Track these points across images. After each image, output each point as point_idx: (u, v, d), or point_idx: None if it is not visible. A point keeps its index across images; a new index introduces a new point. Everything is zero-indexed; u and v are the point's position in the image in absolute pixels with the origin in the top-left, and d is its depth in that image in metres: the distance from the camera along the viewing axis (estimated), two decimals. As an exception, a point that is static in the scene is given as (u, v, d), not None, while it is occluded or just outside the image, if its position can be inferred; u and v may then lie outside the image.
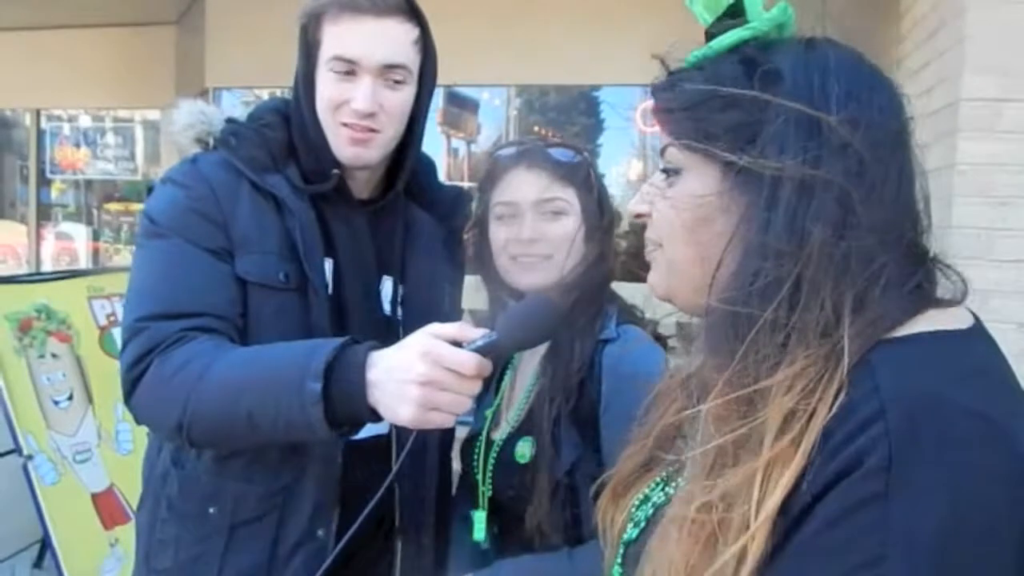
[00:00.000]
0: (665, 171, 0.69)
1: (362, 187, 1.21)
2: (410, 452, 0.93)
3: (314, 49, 1.12)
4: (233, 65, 4.77)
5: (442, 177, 1.50)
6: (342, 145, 1.13)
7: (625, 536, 0.75)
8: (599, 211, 1.19)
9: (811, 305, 0.57)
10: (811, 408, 0.55)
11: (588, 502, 0.86)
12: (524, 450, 1.14)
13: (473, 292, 1.37)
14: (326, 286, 1.14)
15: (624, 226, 1.24)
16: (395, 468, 0.96)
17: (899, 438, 0.51)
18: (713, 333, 0.63)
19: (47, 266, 6.64)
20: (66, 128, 6.74)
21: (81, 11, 5.64)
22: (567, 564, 1.03)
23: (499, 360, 1.26)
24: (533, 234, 1.16)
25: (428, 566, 1.28)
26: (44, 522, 2.36)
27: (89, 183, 6.93)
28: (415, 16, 1.12)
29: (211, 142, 1.18)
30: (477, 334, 0.90)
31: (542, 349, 1.15)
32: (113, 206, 6.92)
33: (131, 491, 2.55)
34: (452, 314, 1.28)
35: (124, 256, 6.64)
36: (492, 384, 1.27)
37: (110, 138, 6.65)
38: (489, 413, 1.24)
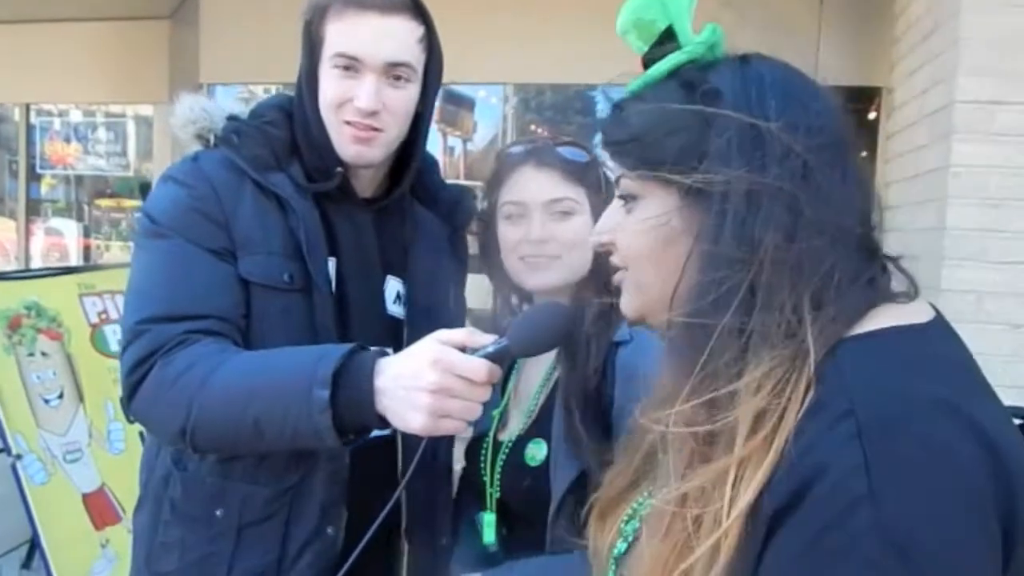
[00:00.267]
0: (623, 198, 0.72)
1: (366, 186, 1.20)
2: (416, 452, 0.92)
3: (317, 46, 1.11)
4: (228, 60, 4.75)
5: (438, 176, 1.49)
6: (345, 143, 1.12)
7: (615, 551, 0.76)
8: None
9: (770, 308, 0.60)
10: (782, 406, 0.57)
11: None
12: (535, 452, 1.13)
13: (474, 291, 1.37)
14: (330, 285, 1.13)
15: None
16: (407, 475, 0.95)
17: (871, 436, 0.53)
18: (674, 346, 0.65)
19: (36, 262, 6.58)
20: (56, 123, 6.68)
21: (72, 4, 5.59)
22: (579, 565, 1.03)
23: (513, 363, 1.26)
24: (542, 234, 1.15)
25: (434, 566, 1.27)
26: (33, 523, 2.34)
27: (80, 179, 6.87)
28: (420, 14, 1.11)
29: (212, 139, 1.17)
30: (486, 340, 0.90)
31: (550, 352, 1.15)
32: (104, 202, 6.87)
33: (123, 491, 2.53)
34: (456, 313, 1.28)
35: (115, 253, 6.60)
36: (497, 385, 1.26)
37: (101, 133, 6.59)
38: (496, 414, 1.23)
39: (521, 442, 1.16)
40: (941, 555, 0.51)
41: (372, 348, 0.97)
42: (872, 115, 3.89)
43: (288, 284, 1.09)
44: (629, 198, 0.70)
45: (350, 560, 0.93)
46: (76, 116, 6.65)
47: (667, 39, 0.69)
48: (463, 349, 0.89)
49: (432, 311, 1.22)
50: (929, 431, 0.54)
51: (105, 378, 2.70)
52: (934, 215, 2.74)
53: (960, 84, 2.57)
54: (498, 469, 1.17)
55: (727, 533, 0.57)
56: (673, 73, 0.68)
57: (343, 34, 1.08)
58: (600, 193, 1.18)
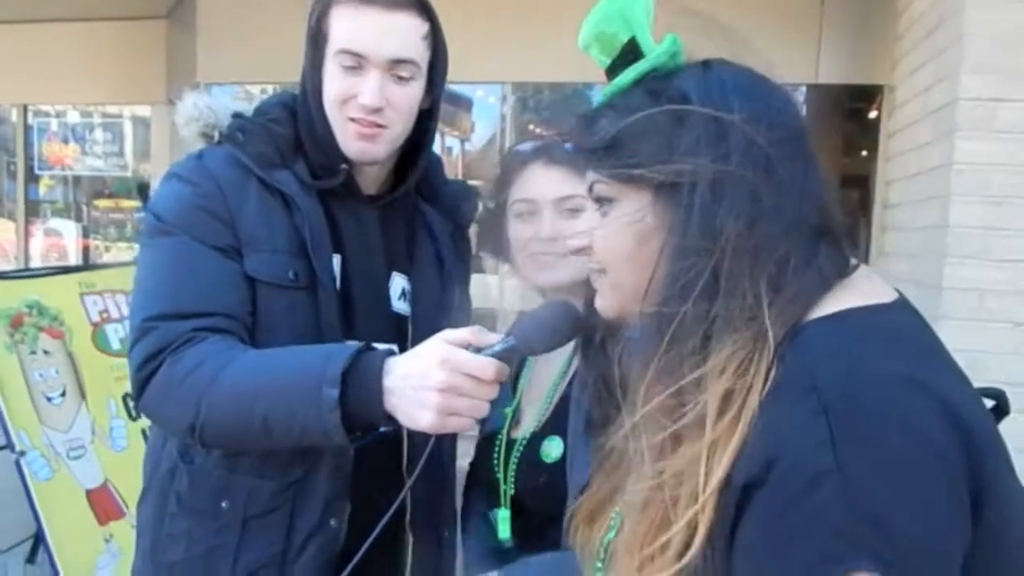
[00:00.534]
0: (597, 201, 0.74)
1: (370, 183, 1.20)
2: (422, 446, 0.93)
3: (321, 42, 1.11)
4: (225, 60, 4.74)
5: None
6: (349, 140, 1.11)
7: (605, 538, 0.78)
8: None
9: (733, 294, 0.63)
10: (747, 385, 0.60)
11: None
12: (550, 449, 1.13)
13: (475, 289, 1.37)
14: (334, 283, 1.13)
15: None
16: (415, 474, 0.96)
17: (835, 411, 0.55)
18: (641, 335, 0.68)
19: (35, 263, 6.58)
20: (54, 124, 6.67)
21: (70, 5, 5.59)
22: None
23: (521, 362, 1.26)
24: (553, 232, 1.15)
25: (437, 558, 1.28)
26: (38, 518, 2.35)
27: (78, 179, 6.87)
28: (425, 11, 1.11)
29: (216, 136, 1.17)
30: (493, 338, 0.90)
31: (566, 348, 1.15)
32: (103, 202, 6.87)
33: (126, 487, 2.53)
34: (461, 310, 1.27)
35: (114, 253, 6.59)
36: (509, 382, 1.26)
37: (99, 134, 6.59)
38: (509, 412, 1.23)
39: (536, 439, 1.16)
40: (911, 522, 0.53)
41: (380, 347, 0.97)
42: (873, 113, 3.89)
43: (293, 281, 1.09)
44: (604, 201, 0.73)
45: (356, 558, 0.94)
46: (74, 117, 6.64)
47: (629, 51, 0.72)
48: (470, 348, 0.90)
49: (437, 308, 1.22)
50: (893, 404, 0.56)
51: (107, 376, 2.70)
52: (937, 213, 2.75)
53: (963, 81, 2.57)
54: (512, 466, 1.18)
55: (703, 508, 0.59)
56: (639, 82, 0.71)
57: (347, 31, 1.08)
58: None
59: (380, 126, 1.10)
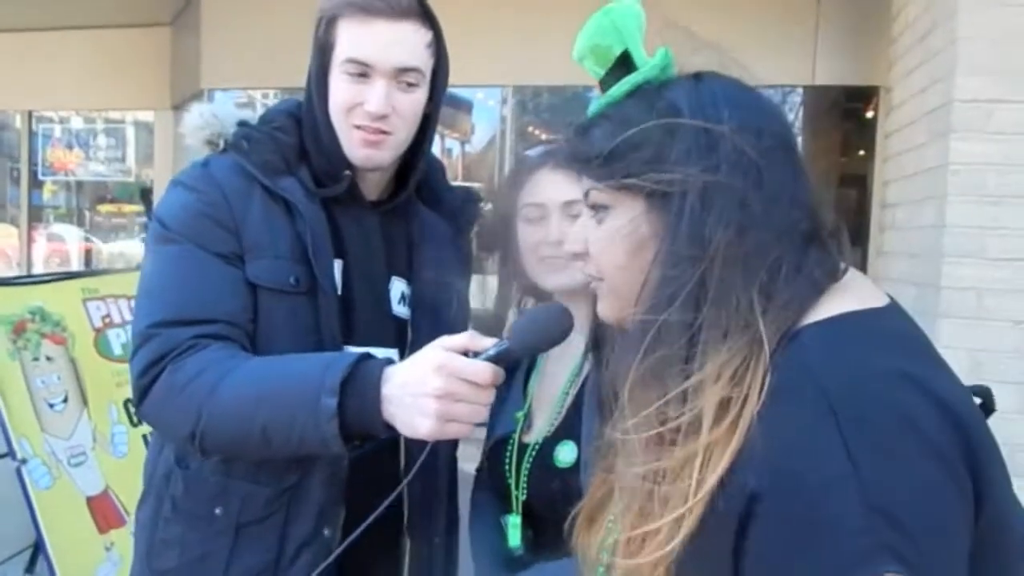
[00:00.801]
0: (592, 208, 0.76)
1: (372, 188, 1.22)
2: (420, 451, 0.93)
3: (327, 51, 1.12)
4: (229, 66, 4.76)
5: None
6: (354, 147, 1.13)
7: (606, 541, 0.79)
8: None
9: (724, 301, 0.64)
10: (743, 393, 0.62)
11: None
12: (565, 454, 1.13)
13: (475, 292, 1.37)
14: (335, 288, 1.14)
15: None
16: (407, 478, 0.96)
17: (843, 412, 0.57)
18: (626, 340, 0.70)
19: (38, 268, 6.60)
20: (57, 130, 6.70)
21: (74, 12, 5.61)
22: None
23: (517, 364, 1.27)
24: (560, 235, 1.16)
25: (436, 565, 1.28)
26: (38, 526, 2.34)
27: (81, 185, 6.90)
28: (428, 19, 1.12)
29: (222, 144, 1.18)
30: (488, 343, 0.91)
31: (576, 351, 1.15)
32: (105, 208, 6.89)
33: (127, 494, 2.54)
34: (460, 314, 1.29)
35: (116, 258, 6.61)
36: (519, 387, 1.27)
37: (102, 139, 6.61)
38: (520, 416, 1.23)
39: (549, 444, 1.16)
40: (923, 516, 0.55)
41: (379, 356, 0.98)
42: (870, 114, 3.90)
43: (294, 287, 1.11)
44: (599, 209, 0.75)
45: (339, 548, 0.95)
46: (77, 123, 6.67)
47: (622, 63, 0.74)
48: (466, 353, 0.90)
49: (437, 312, 1.23)
50: (896, 402, 0.58)
51: (108, 382, 2.71)
52: (933, 213, 2.75)
53: (958, 83, 2.58)
54: (524, 471, 1.18)
55: (691, 510, 0.61)
56: (631, 93, 0.73)
57: (353, 40, 1.09)
58: None
59: (385, 133, 1.12)
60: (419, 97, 1.13)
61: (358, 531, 0.92)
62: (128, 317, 2.73)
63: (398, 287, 1.24)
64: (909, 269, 3.07)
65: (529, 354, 1.09)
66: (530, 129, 4.77)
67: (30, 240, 6.78)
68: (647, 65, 0.73)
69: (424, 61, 1.12)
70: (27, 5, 5.47)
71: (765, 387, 0.61)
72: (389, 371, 0.93)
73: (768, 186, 0.66)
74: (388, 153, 1.14)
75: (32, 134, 6.67)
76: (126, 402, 2.69)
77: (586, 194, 0.76)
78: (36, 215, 6.84)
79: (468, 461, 1.36)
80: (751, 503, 0.59)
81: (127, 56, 5.81)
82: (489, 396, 0.91)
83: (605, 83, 0.75)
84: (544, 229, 1.18)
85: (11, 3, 5.41)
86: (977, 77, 2.55)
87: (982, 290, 2.57)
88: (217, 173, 1.13)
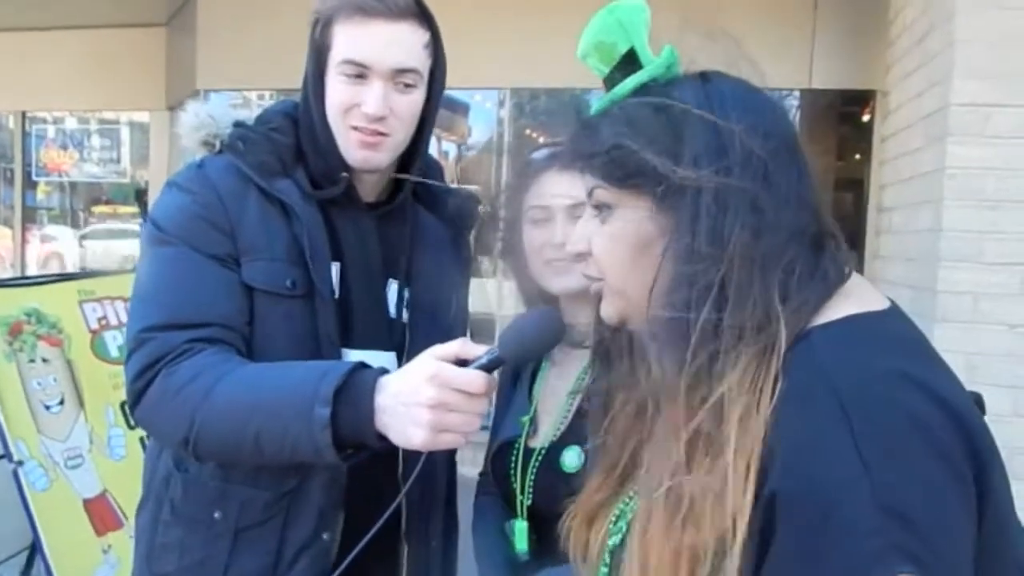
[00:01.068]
0: (596, 208, 0.75)
1: (370, 190, 1.21)
2: (418, 457, 0.93)
3: (324, 51, 1.11)
4: (225, 67, 4.75)
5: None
6: (352, 148, 1.12)
7: (609, 545, 0.78)
8: None
9: (742, 304, 0.64)
10: (757, 398, 0.62)
11: None
12: (571, 459, 1.13)
13: (474, 295, 1.37)
14: (332, 291, 1.14)
15: None
16: (405, 487, 0.96)
17: (855, 413, 0.57)
18: (660, 340, 0.68)
19: (32, 269, 6.58)
20: (51, 130, 6.68)
21: (69, 12, 5.60)
22: None
23: (521, 368, 1.26)
24: (565, 237, 1.16)
25: (434, 569, 1.27)
26: (35, 529, 2.33)
27: (75, 186, 6.87)
28: (426, 19, 1.11)
29: (218, 145, 1.17)
30: (479, 351, 0.90)
31: (582, 355, 1.15)
32: (100, 209, 6.87)
33: (125, 497, 2.53)
34: (458, 317, 1.28)
35: (111, 259, 6.59)
36: (524, 390, 1.26)
37: (96, 140, 6.59)
38: (526, 420, 1.22)
39: (555, 449, 1.16)
40: (934, 516, 0.55)
41: (374, 366, 0.97)
42: (866, 118, 3.91)
43: (290, 290, 1.10)
44: (603, 208, 0.74)
45: (344, 563, 0.94)
46: (71, 123, 6.65)
47: (627, 61, 0.73)
48: (460, 362, 0.90)
49: (434, 315, 1.23)
50: (903, 403, 0.58)
51: (105, 384, 2.70)
52: (930, 217, 2.76)
53: (956, 86, 2.59)
54: (530, 476, 1.17)
55: (739, 516, 0.60)
56: (637, 91, 0.72)
57: (351, 40, 1.08)
58: None
59: (383, 134, 1.11)
60: (417, 98, 1.12)
61: (357, 549, 0.92)
62: (124, 319, 2.71)
63: (395, 290, 1.23)
64: (905, 273, 3.09)
65: (521, 361, 1.08)
66: (527, 132, 4.77)
67: (24, 241, 6.75)
68: (653, 63, 0.72)
69: (422, 62, 1.11)
70: (22, 5, 5.45)
71: (776, 390, 0.61)
72: (383, 381, 0.93)
73: (776, 187, 0.66)
74: (386, 155, 1.13)
75: (26, 135, 6.66)
76: (123, 404, 2.67)
77: (590, 193, 0.75)
78: (30, 216, 6.82)
79: (468, 465, 1.35)
80: (769, 504, 0.59)
81: (122, 57, 5.80)
82: (482, 405, 0.90)
83: (609, 81, 0.75)
84: (549, 231, 1.18)
85: (5, 3, 5.39)
86: (974, 81, 2.57)
87: (978, 294, 2.58)
88: (212, 174, 1.12)
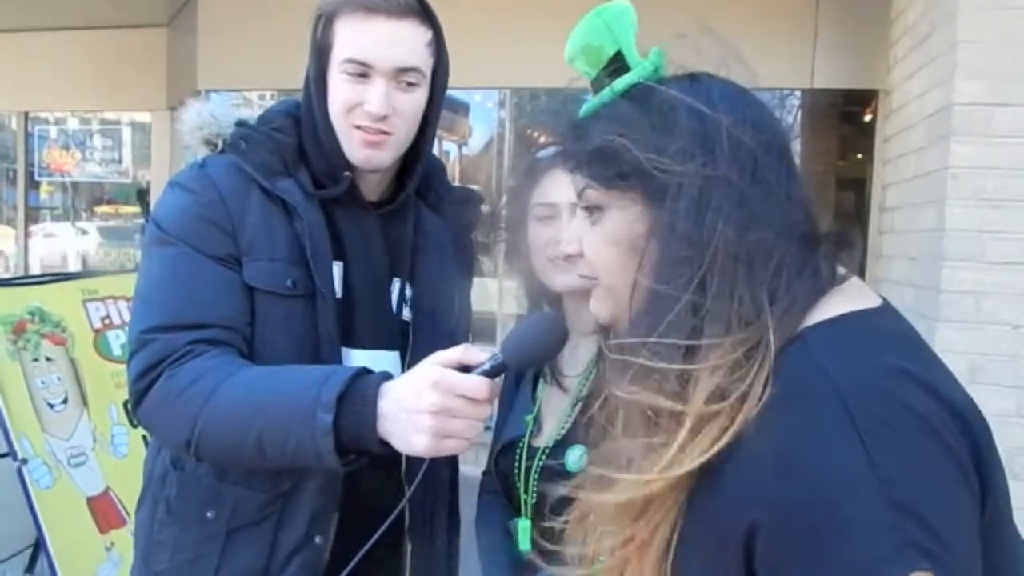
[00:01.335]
0: (587, 209, 0.75)
1: (372, 189, 1.20)
2: (420, 461, 0.93)
3: (326, 50, 1.11)
4: (226, 67, 4.76)
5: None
6: (355, 147, 1.12)
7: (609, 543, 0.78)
8: None
9: (724, 294, 0.64)
10: (743, 390, 0.62)
11: None
12: (575, 458, 1.13)
13: (477, 295, 1.37)
14: (334, 292, 1.13)
15: None
16: (408, 493, 0.96)
17: (858, 410, 0.57)
18: (636, 311, 0.70)
19: (35, 269, 6.59)
20: (54, 131, 6.69)
21: (70, 13, 5.60)
22: None
23: (521, 372, 1.26)
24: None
25: (438, 567, 1.27)
26: (39, 526, 2.34)
27: (77, 186, 6.88)
28: (428, 18, 1.11)
29: (220, 144, 1.17)
30: (482, 356, 0.90)
31: (586, 354, 1.14)
32: (102, 208, 6.88)
33: (128, 495, 2.53)
34: (461, 316, 1.28)
35: (113, 258, 6.60)
36: (528, 390, 1.26)
37: (98, 141, 6.60)
38: (529, 419, 1.22)
39: (559, 448, 1.16)
40: (944, 512, 0.55)
41: (376, 371, 0.97)
42: (869, 117, 3.91)
43: (291, 290, 1.09)
44: (594, 209, 0.74)
45: (348, 568, 0.93)
46: (73, 124, 6.65)
47: (614, 63, 0.73)
48: (462, 368, 0.90)
49: (438, 314, 1.23)
50: (904, 398, 0.58)
51: (108, 383, 2.71)
52: (933, 216, 2.76)
53: (958, 86, 2.59)
54: (534, 475, 1.17)
55: (655, 482, 0.63)
56: (625, 93, 0.72)
57: (353, 39, 1.07)
58: None
59: (386, 133, 1.10)
60: (419, 97, 1.12)
61: (357, 557, 0.92)
62: (127, 318, 2.72)
63: (399, 289, 1.23)
64: (908, 273, 3.08)
65: (524, 367, 1.08)
66: (528, 131, 4.77)
67: (27, 240, 6.76)
68: (640, 65, 0.73)
69: (424, 60, 1.11)
70: (23, 6, 5.46)
71: (767, 388, 0.61)
72: (386, 387, 0.92)
73: (765, 183, 0.66)
74: (389, 154, 1.13)
75: (28, 135, 6.66)
76: (125, 403, 2.68)
77: (580, 194, 0.75)
78: (32, 216, 6.83)
79: (470, 464, 1.35)
80: (758, 515, 0.58)
81: (124, 57, 5.80)
82: (485, 411, 0.90)
83: (597, 84, 0.75)
84: (554, 228, 1.18)
85: (7, 3, 5.40)
86: (977, 80, 2.57)
87: (981, 294, 2.58)
88: (214, 174, 1.11)
